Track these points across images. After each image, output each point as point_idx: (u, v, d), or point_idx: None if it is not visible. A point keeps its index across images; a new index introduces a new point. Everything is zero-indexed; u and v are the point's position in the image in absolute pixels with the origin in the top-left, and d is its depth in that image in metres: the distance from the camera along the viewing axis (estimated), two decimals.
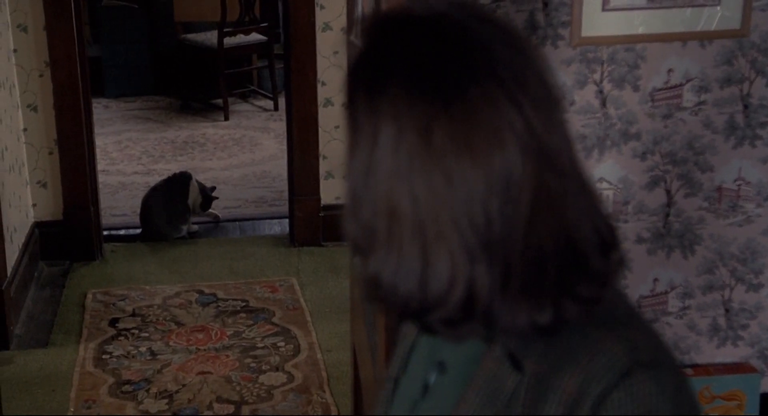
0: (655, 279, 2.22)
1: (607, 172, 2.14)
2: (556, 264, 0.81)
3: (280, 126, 5.91)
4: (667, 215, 2.18)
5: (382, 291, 0.82)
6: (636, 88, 2.09)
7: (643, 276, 2.21)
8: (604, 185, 2.15)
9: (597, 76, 2.08)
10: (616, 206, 2.16)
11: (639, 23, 2.03)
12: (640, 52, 2.06)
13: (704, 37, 2.07)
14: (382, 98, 0.77)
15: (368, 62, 0.79)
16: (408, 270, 0.79)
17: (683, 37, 2.06)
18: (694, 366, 2.25)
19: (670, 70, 2.09)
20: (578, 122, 2.10)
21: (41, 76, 3.94)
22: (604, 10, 2.01)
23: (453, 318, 0.81)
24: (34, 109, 3.97)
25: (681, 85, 2.10)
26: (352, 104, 0.79)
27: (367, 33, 0.81)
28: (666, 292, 2.23)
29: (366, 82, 0.79)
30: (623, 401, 0.82)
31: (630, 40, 2.05)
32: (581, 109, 2.10)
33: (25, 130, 3.98)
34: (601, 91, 2.09)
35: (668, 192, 2.17)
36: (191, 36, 6.51)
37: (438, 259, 0.78)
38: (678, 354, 2.25)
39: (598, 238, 0.85)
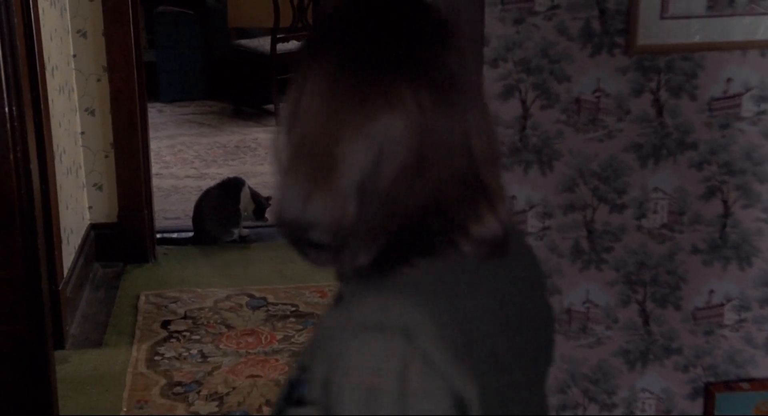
0: (711, 291, 2.18)
1: (662, 182, 2.12)
2: (410, 225, 0.97)
3: None
4: (724, 226, 2.15)
5: (279, 213, 0.99)
6: (693, 98, 2.07)
7: (698, 288, 2.18)
8: (659, 195, 2.13)
9: (653, 85, 2.06)
10: (671, 216, 2.14)
11: (697, 31, 2.01)
12: (698, 61, 2.04)
13: (764, 46, 2.04)
14: (319, 60, 0.97)
15: (315, 35, 1.02)
16: (298, 194, 0.97)
17: (743, 46, 2.03)
18: (751, 380, 2.21)
19: (729, 80, 2.06)
20: (633, 131, 2.08)
21: (99, 80, 4.01)
22: (662, 18, 1.99)
23: (321, 241, 0.98)
24: (92, 113, 4.05)
25: (740, 94, 2.07)
26: (299, 64, 1.00)
27: (323, 12, 1.03)
28: (722, 305, 2.19)
29: (310, 49, 1.00)
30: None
31: (688, 49, 2.02)
32: (637, 117, 2.08)
33: (82, 133, 4.06)
34: (657, 100, 2.07)
35: (725, 202, 2.14)
36: (244, 42, 6.57)
37: (322, 188, 0.95)
38: (733, 367, 2.21)
39: (460, 218, 0.99)
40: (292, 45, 6.28)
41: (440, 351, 0.93)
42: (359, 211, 0.95)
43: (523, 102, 2.06)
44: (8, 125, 2.09)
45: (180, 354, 3.47)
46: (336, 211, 0.95)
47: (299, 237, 0.99)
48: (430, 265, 0.98)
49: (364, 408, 0.92)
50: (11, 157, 2.10)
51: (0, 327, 2.21)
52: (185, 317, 3.75)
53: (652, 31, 2.00)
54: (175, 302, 3.86)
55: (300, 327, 3.68)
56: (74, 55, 3.97)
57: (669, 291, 2.17)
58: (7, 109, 2.09)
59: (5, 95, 2.08)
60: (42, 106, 3.20)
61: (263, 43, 6.31)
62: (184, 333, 3.62)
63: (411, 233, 0.98)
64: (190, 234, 4.49)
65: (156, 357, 3.45)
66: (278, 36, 6.14)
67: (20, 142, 2.14)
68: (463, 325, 0.97)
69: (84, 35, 3.96)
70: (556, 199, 2.12)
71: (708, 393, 2.20)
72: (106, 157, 4.10)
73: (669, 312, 2.19)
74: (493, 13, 2.01)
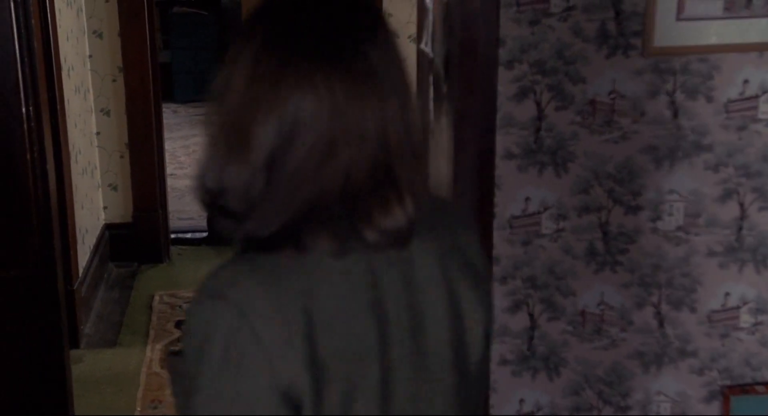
0: (727, 294, 2.17)
1: (678, 184, 2.11)
2: (314, 206, 1.00)
3: None
4: (740, 228, 2.14)
5: (198, 178, 1.05)
6: (709, 99, 2.06)
7: (713, 291, 2.17)
8: (675, 197, 2.12)
9: (669, 87, 2.05)
10: (687, 219, 2.13)
11: (713, 33, 2.00)
12: (714, 63, 2.03)
13: None
14: (247, 42, 1.03)
15: (248, 18, 1.08)
16: (216, 163, 1.02)
17: (760, 48, 2.02)
18: (767, 383, 2.20)
19: (745, 81, 2.05)
20: (649, 133, 2.08)
21: (114, 81, 4.03)
22: (678, 19, 1.99)
23: (230, 209, 1.02)
24: (107, 114, 4.06)
25: (756, 96, 2.06)
26: (232, 44, 1.06)
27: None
28: (738, 307, 2.18)
29: (242, 31, 1.07)
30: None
31: (704, 51, 2.02)
32: (652, 119, 2.07)
33: (98, 133, 4.07)
34: (673, 102, 2.06)
35: (741, 205, 2.13)
36: None
37: (236, 160, 1.01)
38: (749, 370, 2.20)
39: (366, 207, 1.01)
40: None
41: (272, 332, 0.96)
42: (267, 186, 1.00)
43: (538, 103, 2.06)
44: (25, 125, 2.10)
45: None
46: (246, 183, 1.00)
47: (212, 203, 1.04)
48: (314, 250, 1.01)
49: (192, 371, 0.98)
50: (28, 157, 2.12)
51: (16, 326, 2.22)
52: None
53: (668, 33, 1.99)
54: (189, 302, 3.87)
55: None
56: (90, 56, 3.99)
57: (684, 293, 2.16)
58: (24, 110, 2.10)
59: (22, 95, 2.10)
60: (58, 106, 3.22)
61: None
62: None
63: (314, 214, 1.01)
64: (204, 234, 4.50)
65: (170, 357, 3.46)
66: None
67: (37, 142, 2.15)
68: (316, 315, 0.98)
69: (100, 36, 3.98)
70: (571, 200, 2.11)
71: (724, 396, 2.19)
72: (121, 157, 4.12)
73: (684, 315, 2.18)
74: (509, 14, 2.00)
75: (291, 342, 0.97)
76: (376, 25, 1.05)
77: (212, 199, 1.04)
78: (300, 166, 0.99)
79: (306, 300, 0.99)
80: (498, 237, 2.13)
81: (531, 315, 2.17)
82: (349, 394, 1.00)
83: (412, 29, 4.06)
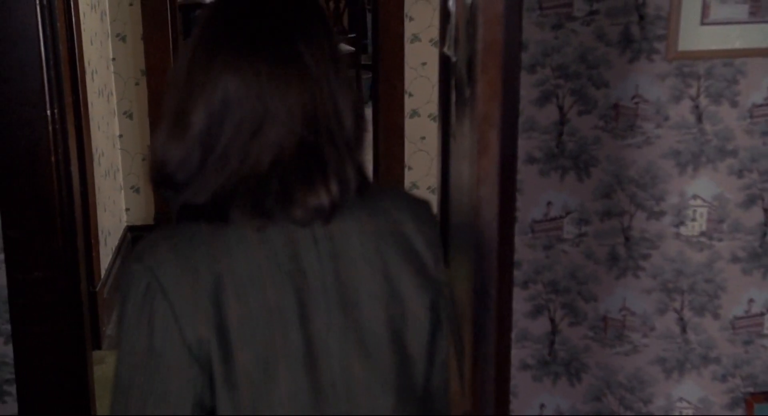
0: (751, 300, 2.16)
1: (702, 189, 2.10)
2: (243, 181, 1.10)
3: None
4: (764, 234, 2.12)
5: (148, 154, 1.18)
6: (734, 104, 2.04)
7: (737, 297, 2.15)
8: (698, 202, 2.10)
9: (693, 91, 2.04)
10: (710, 224, 2.12)
11: (738, 37, 1.99)
12: (739, 67, 2.02)
13: None
14: (192, 35, 1.16)
15: (198, 16, 1.21)
16: (162, 139, 1.14)
17: None
18: None
19: None
20: (672, 138, 2.07)
21: (137, 84, 4.05)
22: (702, 23, 1.98)
23: (171, 180, 1.13)
24: (130, 116, 4.09)
25: None
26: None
27: None
28: (761, 314, 2.17)
29: (193, 26, 1.19)
30: None
31: (729, 55, 2.00)
32: (676, 124, 2.06)
33: (120, 136, 4.10)
34: (697, 107, 2.05)
35: (765, 210, 2.11)
36: None
37: (176, 136, 1.12)
38: None
39: (292, 185, 1.11)
40: None
41: (180, 293, 1.07)
42: (201, 161, 1.11)
43: (560, 108, 2.05)
44: (50, 127, 2.12)
45: None
46: (183, 158, 1.12)
47: (157, 177, 1.16)
48: (238, 222, 1.11)
49: (117, 327, 1.12)
50: (52, 159, 2.13)
51: (39, 327, 2.23)
52: None
53: (692, 37, 1.98)
54: None
55: None
56: (113, 59, 4.02)
57: (707, 299, 2.15)
58: (48, 112, 2.12)
59: (47, 98, 2.11)
60: (82, 109, 3.24)
61: None
62: None
63: (241, 189, 1.11)
64: None
65: None
66: None
67: (61, 145, 2.17)
68: (227, 281, 1.08)
69: (123, 39, 4.01)
70: (593, 205, 2.11)
71: (747, 403, 2.17)
72: (144, 159, 4.14)
73: (707, 321, 2.16)
74: (531, 18, 2.00)
75: (197, 303, 1.07)
76: (310, 21, 1.16)
77: (158, 172, 1.15)
78: (229, 142, 1.10)
79: (217, 266, 1.08)
80: (519, 241, 2.12)
81: (552, 320, 2.16)
82: (269, 359, 1.09)
83: (434, 33, 4.06)
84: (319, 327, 1.12)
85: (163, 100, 1.18)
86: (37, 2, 2.05)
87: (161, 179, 1.15)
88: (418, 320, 1.18)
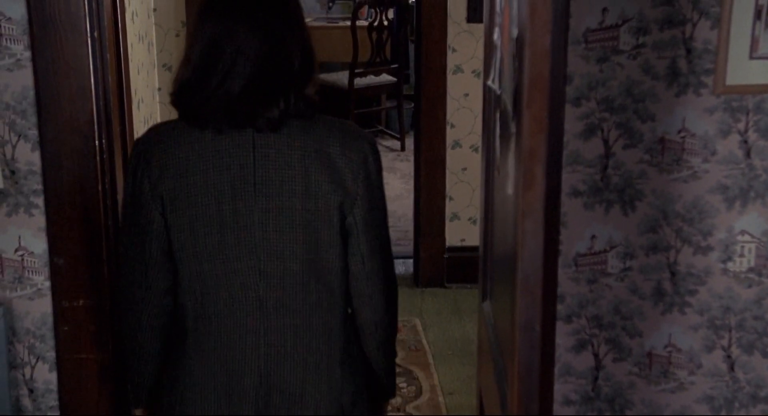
0: None
1: (750, 225, 2.07)
2: (217, 92, 1.64)
3: (406, 166, 5.95)
4: None
5: (176, 86, 1.70)
6: None
7: None
8: (746, 238, 2.07)
9: (741, 126, 2.02)
10: (759, 260, 2.08)
11: None
12: None
13: None
14: (198, 9, 1.71)
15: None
16: (178, 71, 1.71)
17: None
18: None
19: None
20: (720, 172, 2.04)
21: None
22: (751, 58, 1.96)
23: (178, 96, 1.70)
24: (169, 69, 4.13)
25: None
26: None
27: None
28: None
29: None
30: None
31: None
32: (723, 158, 2.04)
33: (159, 89, 4.13)
34: (745, 141, 2.03)
35: None
36: (323, 75, 6.65)
37: (183, 66, 1.69)
38: None
39: (254, 101, 1.64)
40: (370, 80, 6.35)
41: (155, 164, 1.66)
42: (197, 82, 1.65)
43: (606, 141, 2.04)
44: (98, 157, 2.15)
45: None
46: (187, 80, 1.67)
47: (171, 95, 1.70)
48: (206, 124, 1.66)
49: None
50: (99, 188, 2.16)
51: (86, 354, 2.25)
52: None
53: (741, 71, 1.96)
54: None
55: None
56: (159, 89, 4.08)
57: (756, 337, 2.11)
58: (97, 142, 2.15)
59: (96, 128, 2.15)
60: (128, 138, 3.28)
61: (341, 77, 6.39)
62: None
63: (216, 102, 1.64)
64: None
65: None
66: (356, 71, 6.21)
67: (108, 174, 2.20)
68: (172, 162, 1.66)
69: (169, 69, 4.07)
70: (639, 239, 2.08)
71: None
72: None
73: (756, 359, 2.12)
74: (577, 51, 2.00)
75: (163, 172, 1.66)
76: (285, 1, 1.69)
77: (172, 93, 1.70)
78: (214, 71, 1.62)
79: (182, 150, 1.66)
80: (563, 275, 2.10)
81: (596, 356, 2.13)
82: (194, 218, 1.66)
83: (477, 65, 4.07)
84: (245, 204, 1.65)
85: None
86: (88, 35, 2.09)
87: (174, 97, 1.68)
88: (327, 214, 1.67)
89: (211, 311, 1.68)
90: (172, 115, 4.57)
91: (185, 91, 1.65)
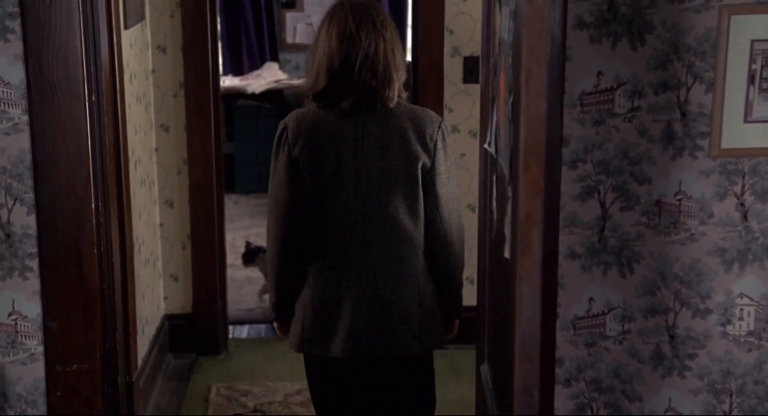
0: None
1: (749, 288, 2.06)
2: (343, 87, 2.32)
3: None
4: None
5: (318, 85, 2.35)
6: None
7: None
8: (745, 301, 2.06)
9: (737, 189, 2.02)
10: (759, 323, 2.07)
11: None
12: None
13: None
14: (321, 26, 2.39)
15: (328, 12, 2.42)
16: (307, 75, 2.40)
17: None
18: None
19: None
20: (717, 235, 2.04)
21: (179, 173, 4.11)
22: (746, 121, 1.97)
23: (308, 92, 2.38)
24: (171, 205, 4.14)
25: None
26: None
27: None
28: None
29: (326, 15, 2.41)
30: None
31: None
32: (720, 221, 2.04)
33: (161, 225, 4.14)
34: (742, 204, 2.03)
35: None
36: None
37: (309, 70, 2.39)
38: None
39: (340, 93, 2.31)
40: None
41: (293, 136, 2.31)
42: (327, 81, 2.31)
43: (602, 203, 2.04)
44: (94, 220, 2.15)
45: None
46: (316, 80, 2.33)
47: (307, 87, 2.38)
48: (335, 107, 2.31)
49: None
50: (95, 251, 2.15)
51: None
52: (255, 410, 3.72)
53: (736, 135, 1.97)
54: (245, 395, 3.85)
55: None
56: (156, 149, 4.09)
57: (757, 401, 2.08)
58: (93, 205, 2.15)
59: (92, 191, 2.14)
60: (124, 199, 3.28)
61: None
62: None
63: (339, 92, 2.29)
64: (263, 325, 4.50)
65: None
66: None
67: (104, 236, 2.19)
68: (306, 135, 2.31)
69: (167, 130, 4.08)
70: (637, 301, 2.07)
71: None
72: (183, 248, 4.17)
73: None
74: (572, 114, 2.01)
75: (300, 141, 2.30)
76: (386, 19, 2.33)
77: (317, 89, 2.32)
78: (339, 73, 2.28)
79: (315, 126, 2.31)
80: (561, 338, 2.09)
81: None
82: (315, 172, 2.30)
83: (473, 125, 4.09)
84: (358, 165, 2.30)
85: (306, 63, 2.45)
86: (86, 99, 2.10)
87: (314, 93, 2.33)
88: (414, 173, 2.31)
89: (332, 240, 2.32)
90: (170, 175, 4.51)
91: (330, 86, 2.29)
